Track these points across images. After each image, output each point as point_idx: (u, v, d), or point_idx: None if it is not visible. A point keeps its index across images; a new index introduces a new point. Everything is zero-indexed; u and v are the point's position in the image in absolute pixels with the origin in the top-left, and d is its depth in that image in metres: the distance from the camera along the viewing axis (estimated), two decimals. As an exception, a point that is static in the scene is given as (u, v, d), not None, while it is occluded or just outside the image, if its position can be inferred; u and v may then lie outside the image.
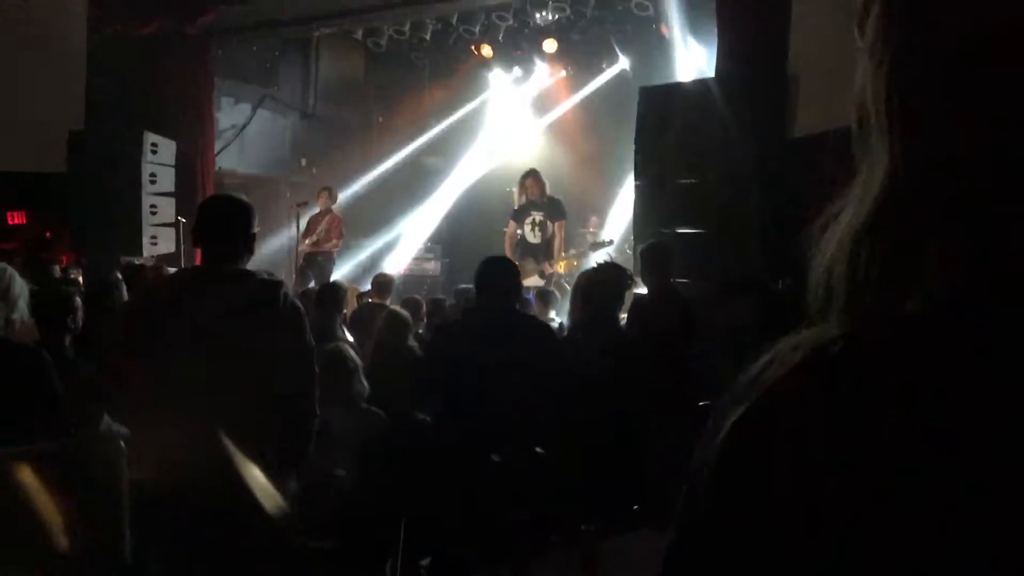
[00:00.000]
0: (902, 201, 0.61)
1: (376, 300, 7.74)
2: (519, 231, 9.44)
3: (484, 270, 4.27)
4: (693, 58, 10.64)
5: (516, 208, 9.63)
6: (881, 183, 0.61)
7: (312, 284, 9.21)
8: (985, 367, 0.56)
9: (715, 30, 7.69)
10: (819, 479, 0.56)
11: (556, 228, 9.34)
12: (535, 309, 7.08)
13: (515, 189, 9.65)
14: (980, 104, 0.58)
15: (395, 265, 12.52)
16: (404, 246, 13.15)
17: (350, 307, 7.36)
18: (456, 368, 4.07)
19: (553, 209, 9.38)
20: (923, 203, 0.60)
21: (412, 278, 12.31)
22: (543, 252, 9.34)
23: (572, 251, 9.78)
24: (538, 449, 3.84)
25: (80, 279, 7.44)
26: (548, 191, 9.44)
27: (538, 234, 9.36)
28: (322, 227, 10.59)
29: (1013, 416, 0.54)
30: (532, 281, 9.03)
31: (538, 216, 9.36)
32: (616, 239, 10.30)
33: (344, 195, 12.76)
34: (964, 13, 0.59)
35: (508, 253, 9.36)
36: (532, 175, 9.46)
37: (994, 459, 0.53)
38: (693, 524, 0.63)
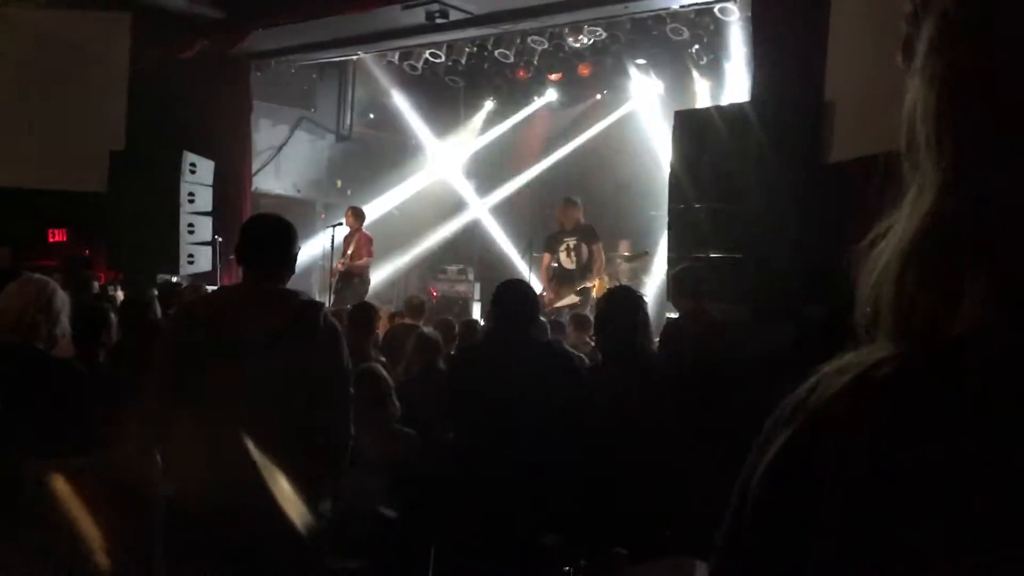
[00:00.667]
0: (953, 223, 0.60)
1: (408, 321, 7.77)
2: (555, 260, 9.48)
3: (499, 295, 4.25)
4: (730, 82, 10.62)
5: (549, 236, 9.69)
6: (931, 204, 0.61)
7: (348, 306, 9.26)
8: None
9: (750, 55, 7.70)
10: (866, 506, 0.55)
11: (595, 250, 9.34)
12: (569, 333, 7.06)
13: (557, 213, 9.72)
14: None
15: (426, 287, 12.57)
16: (434, 267, 13.20)
17: (382, 328, 7.39)
18: (476, 392, 4.06)
19: (587, 234, 9.41)
20: (975, 225, 0.59)
21: (445, 300, 12.34)
22: (579, 276, 9.36)
23: (607, 272, 9.75)
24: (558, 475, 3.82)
25: (119, 295, 7.54)
26: (582, 218, 9.47)
27: (573, 259, 9.38)
28: (352, 247, 10.66)
29: None
30: (568, 301, 9.03)
31: (571, 242, 9.40)
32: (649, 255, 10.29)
33: (377, 215, 12.87)
34: (1020, 35, 0.58)
35: (543, 282, 9.46)
36: (566, 203, 9.53)
37: None
38: (737, 548, 0.62)
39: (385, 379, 4.41)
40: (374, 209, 12.70)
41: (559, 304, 9.07)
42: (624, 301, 4.32)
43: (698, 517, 3.93)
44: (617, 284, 6.47)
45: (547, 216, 12.45)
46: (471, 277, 12.88)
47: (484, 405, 3.94)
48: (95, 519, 2.85)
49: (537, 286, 9.59)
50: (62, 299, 3.35)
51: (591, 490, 3.79)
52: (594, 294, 9.23)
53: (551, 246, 9.55)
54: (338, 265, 10.60)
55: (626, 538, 3.19)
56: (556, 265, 9.46)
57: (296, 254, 3.30)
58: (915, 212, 0.62)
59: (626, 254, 10.25)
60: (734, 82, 10.42)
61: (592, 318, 7.49)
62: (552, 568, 3.04)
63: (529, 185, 13.41)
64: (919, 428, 0.56)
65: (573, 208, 9.45)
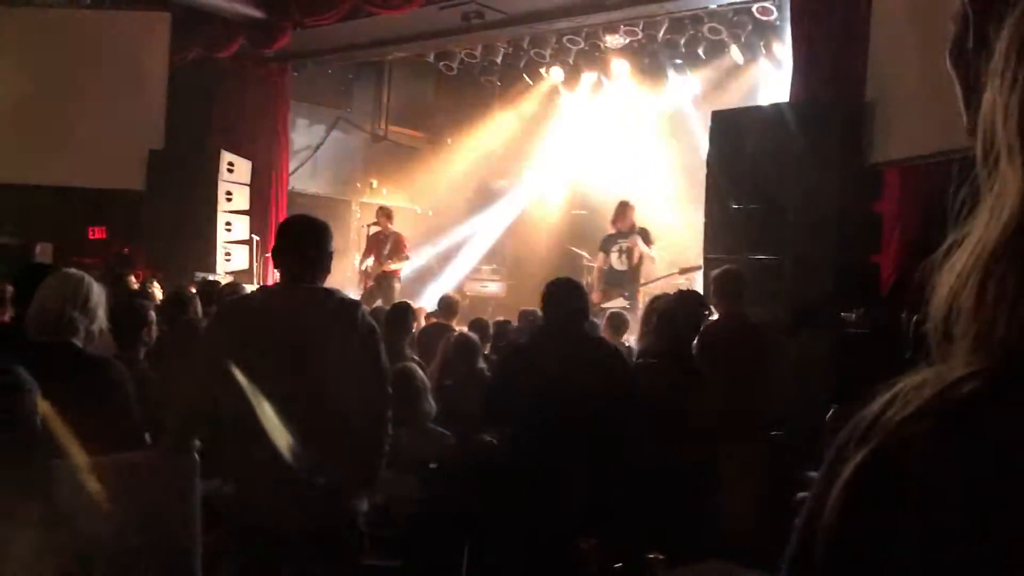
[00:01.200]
0: None
1: (442, 321, 7.77)
2: (607, 262, 9.67)
3: (551, 291, 4.24)
4: (768, 83, 10.53)
5: (604, 237, 9.86)
6: (1013, 210, 0.58)
7: (378, 303, 9.31)
8: None
9: (790, 55, 7.62)
10: (950, 533, 0.52)
11: (643, 254, 9.49)
12: (605, 333, 7.03)
13: (613, 213, 9.84)
14: None
15: (459, 286, 12.59)
16: (467, 266, 13.21)
17: (418, 328, 7.40)
18: (525, 390, 4.05)
19: (641, 236, 9.55)
20: None
21: (477, 300, 12.35)
22: (629, 278, 9.51)
23: (659, 279, 9.74)
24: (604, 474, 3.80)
25: (156, 293, 7.62)
26: (635, 220, 9.64)
27: (624, 261, 9.53)
28: (388, 247, 10.69)
29: None
30: (615, 303, 9.05)
31: (624, 244, 9.55)
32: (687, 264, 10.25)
33: (411, 215, 12.93)
34: None
35: (596, 284, 9.66)
36: (621, 206, 9.67)
37: None
38: (807, 571, 0.59)
39: (420, 378, 4.42)
40: (410, 211, 12.77)
41: (605, 305, 9.09)
42: (691, 305, 4.37)
43: (733, 521, 3.90)
44: (686, 289, 6.49)
45: (577, 216, 12.44)
46: (503, 276, 12.87)
47: (536, 402, 3.92)
48: (134, 517, 2.87)
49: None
50: (99, 294, 3.36)
51: (631, 491, 3.77)
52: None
53: (606, 247, 9.73)
54: (373, 266, 10.65)
55: (663, 542, 3.16)
56: (608, 267, 9.63)
57: (331, 254, 3.31)
58: (995, 220, 0.59)
59: (683, 267, 10.26)
60: (772, 82, 10.33)
61: (628, 318, 7.50)
62: (587, 572, 3.02)
63: (562, 185, 13.37)
64: (1009, 446, 0.53)
65: (626, 210, 9.60)
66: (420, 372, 4.52)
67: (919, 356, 0.62)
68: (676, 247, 11.00)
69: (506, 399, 4.19)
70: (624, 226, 9.57)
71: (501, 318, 8.69)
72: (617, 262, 9.56)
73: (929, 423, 0.56)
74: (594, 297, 9.39)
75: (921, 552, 0.53)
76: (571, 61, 11.88)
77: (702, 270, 9.63)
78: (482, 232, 13.54)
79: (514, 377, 4.20)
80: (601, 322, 7.60)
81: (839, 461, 0.59)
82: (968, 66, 0.66)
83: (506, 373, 4.39)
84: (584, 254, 11.51)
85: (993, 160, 0.61)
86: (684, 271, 9.54)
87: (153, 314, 4.71)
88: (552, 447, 3.83)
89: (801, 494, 1.29)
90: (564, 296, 4.21)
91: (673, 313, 4.41)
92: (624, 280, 9.49)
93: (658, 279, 9.57)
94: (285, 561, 3.05)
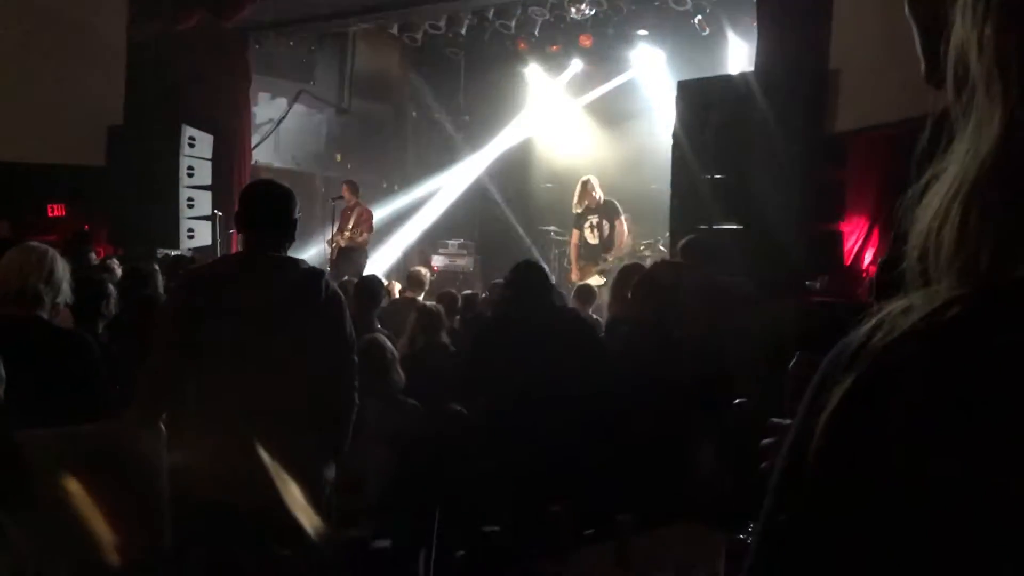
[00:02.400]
0: (1020, 159, 0.57)
1: (409, 294, 7.76)
2: (581, 238, 9.96)
3: (517, 271, 4.35)
4: (732, 53, 10.54)
5: (575, 215, 10.06)
6: (995, 140, 0.57)
7: (345, 278, 9.26)
8: None
9: (754, 24, 7.63)
10: (940, 454, 0.52)
11: (616, 224, 9.75)
12: (573, 304, 7.06)
13: (575, 193, 10.04)
14: None
15: (428, 260, 12.56)
16: (435, 241, 13.17)
17: (389, 302, 7.37)
18: (501, 362, 4.07)
19: (608, 209, 9.80)
20: None
21: (446, 274, 12.33)
22: (601, 251, 9.77)
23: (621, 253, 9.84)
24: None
25: (117, 269, 7.51)
26: (601, 194, 9.88)
27: (596, 235, 9.79)
28: (352, 220, 10.65)
29: None
30: (593, 281, 9.15)
31: (594, 219, 9.82)
32: (652, 233, 10.39)
33: (378, 189, 12.86)
34: None
35: (573, 260, 9.99)
36: (589, 183, 9.88)
37: None
38: (798, 498, 0.59)
39: (389, 349, 4.40)
40: (375, 184, 12.69)
41: (587, 282, 9.17)
42: (667, 274, 4.43)
43: (703, 483, 3.94)
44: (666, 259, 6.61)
45: (545, 190, 12.44)
46: (471, 251, 12.85)
47: (510, 372, 3.95)
48: (101, 489, 2.84)
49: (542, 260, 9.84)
50: (63, 267, 3.31)
51: (601, 456, 3.79)
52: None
53: (578, 224, 9.98)
54: (339, 239, 10.59)
55: (633, 505, 3.18)
56: (582, 243, 9.91)
57: (296, 221, 3.26)
58: (974, 150, 0.58)
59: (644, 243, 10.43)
60: (737, 52, 10.35)
61: (596, 291, 7.54)
62: (558, 535, 3.04)
63: (529, 157, 13.34)
64: (998, 368, 0.53)
65: (591, 187, 9.85)
66: (389, 343, 4.50)
67: (882, 299, 0.61)
68: (646, 217, 11.05)
69: (483, 371, 4.21)
70: (591, 202, 9.80)
71: (469, 291, 8.68)
72: (590, 236, 9.83)
73: (916, 346, 0.56)
74: (572, 275, 9.58)
75: (912, 474, 0.53)
76: (536, 33, 11.81)
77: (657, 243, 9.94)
78: (440, 198, 13.47)
79: (489, 350, 4.23)
80: (569, 295, 7.62)
81: (824, 388, 0.58)
82: (927, 8, 0.66)
83: (481, 346, 4.41)
84: (552, 229, 11.52)
85: (968, 95, 0.60)
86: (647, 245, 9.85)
87: (112, 287, 4.65)
88: (528, 415, 3.85)
89: (765, 440, 1.29)
90: (528, 274, 4.32)
91: (657, 282, 4.43)
92: (598, 253, 9.73)
93: (621, 257, 9.74)
94: (252, 534, 3.03)
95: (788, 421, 1.15)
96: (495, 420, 4.03)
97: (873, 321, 0.59)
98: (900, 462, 0.53)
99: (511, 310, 4.50)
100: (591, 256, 9.80)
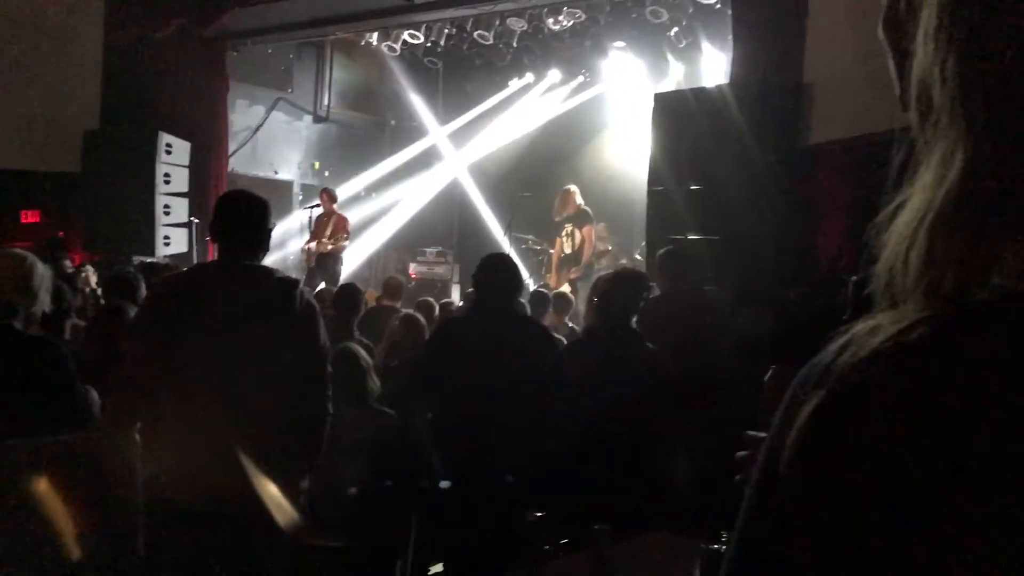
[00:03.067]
0: (988, 188, 0.58)
1: (386, 303, 7.75)
2: (561, 245, 10.07)
3: (482, 268, 4.26)
4: (708, 65, 10.63)
5: (556, 224, 10.18)
6: (959, 172, 0.59)
7: (322, 285, 9.24)
8: None
9: (730, 37, 7.69)
10: (903, 472, 0.54)
11: (583, 233, 9.80)
12: (549, 313, 7.07)
13: (556, 202, 10.17)
14: None
15: (406, 268, 12.55)
16: (413, 249, 13.17)
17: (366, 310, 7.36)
18: (451, 363, 4.06)
19: (580, 218, 9.86)
20: (1014, 190, 0.57)
21: (424, 282, 12.32)
22: (573, 260, 9.86)
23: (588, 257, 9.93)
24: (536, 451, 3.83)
25: (91, 277, 7.45)
26: (579, 203, 9.95)
27: (570, 244, 9.91)
28: (329, 228, 10.64)
29: None
30: (565, 289, 9.17)
31: (569, 227, 9.92)
32: (629, 245, 10.46)
33: (354, 197, 12.85)
34: None
35: (554, 268, 10.12)
36: (568, 192, 9.97)
37: None
38: (767, 514, 0.60)
39: (364, 358, 4.39)
40: (350, 190, 12.69)
41: (562, 289, 9.24)
42: (628, 283, 4.41)
43: (679, 493, 3.96)
44: (626, 266, 6.66)
45: (522, 199, 12.44)
46: (450, 259, 12.86)
47: (466, 380, 3.94)
48: (76, 498, 2.83)
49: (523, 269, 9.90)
50: (41, 275, 3.28)
51: (573, 466, 3.80)
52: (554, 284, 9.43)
53: (558, 232, 10.11)
54: (315, 247, 10.58)
55: (608, 515, 3.20)
56: (562, 252, 10.04)
57: (270, 231, 3.27)
58: (941, 181, 0.60)
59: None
60: (713, 65, 10.43)
61: (572, 299, 7.56)
62: (533, 545, 3.04)
63: (507, 167, 13.37)
64: (961, 387, 0.54)
65: (569, 196, 9.93)
66: (363, 352, 4.50)
67: (857, 317, 0.63)
68: (623, 228, 11.11)
69: (433, 370, 4.19)
70: (569, 211, 9.87)
71: (446, 299, 8.68)
72: (566, 245, 9.94)
73: (882, 365, 0.57)
74: (551, 282, 9.63)
75: (877, 492, 0.54)
76: (515, 43, 11.85)
77: (609, 252, 10.07)
78: (427, 212, 13.48)
79: (442, 349, 4.21)
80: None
81: (796, 404, 0.60)
82: (902, 32, 0.67)
83: (435, 344, 4.39)
84: (530, 238, 11.54)
85: (932, 123, 0.61)
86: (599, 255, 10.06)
87: (68, 291, 4.60)
88: (481, 420, 3.85)
89: (740, 453, 1.32)
90: (495, 272, 4.23)
91: (609, 291, 4.46)
92: (571, 261, 9.83)
93: (603, 252, 9.86)
94: (226, 543, 3.02)
95: (763, 434, 1.17)
96: (445, 423, 4.02)
97: (842, 340, 0.60)
98: (866, 478, 0.55)
99: (468, 312, 4.48)
100: (566, 264, 9.95)
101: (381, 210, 13.24)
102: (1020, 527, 0.51)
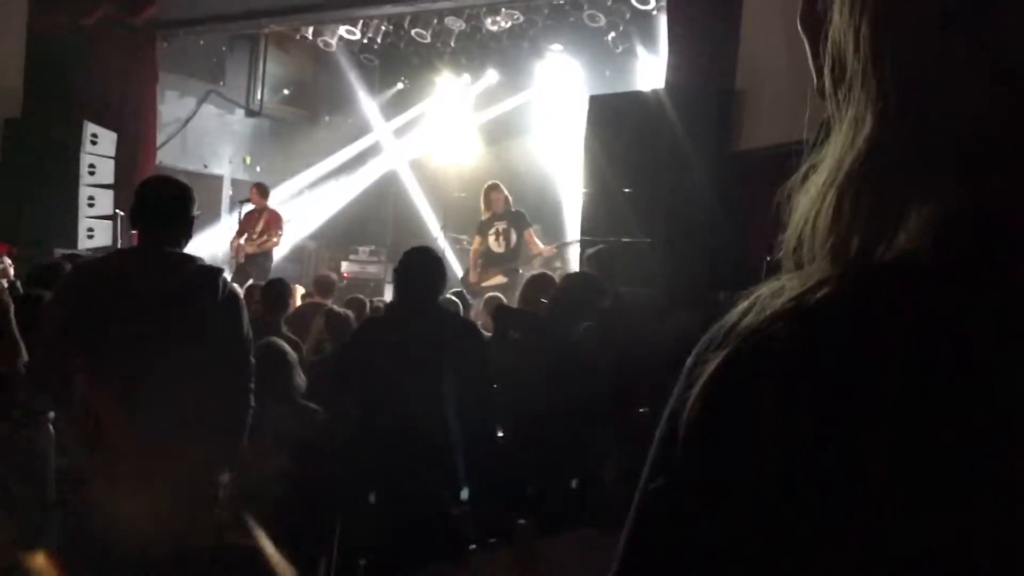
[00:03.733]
0: (893, 150, 0.59)
1: (317, 299, 7.65)
2: (483, 244, 9.57)
3: (406, 261, 4.13)
4: (643, 70, 10.74)
5: (480, 222, 9.73)
6: (868, 133, 0.60)
7: (251, 281, 9.09)
8: (979, 322, 0.54)
9: (665, 42, 7.78)
10: (799, 433, 0.54)
11: (526, 235, 9.45)
12: (479, 315, 7.06)
13: (481, 199, 9.73)
14: (977, 53, 0.57)
15: (338, 267, 12.42)
16: (345, 247, 13.05)
17: (293, 306, 7.25)
18: (376, 364, 3.99)
19: (518, 219, 9.51)
20: (917, 153, 0.59)
21: (356, 281, 12.20)
22: (508, 259, 9.43)
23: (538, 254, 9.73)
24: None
25: (8, 269, 7.22)
26: (510, 202, 9.56)
27: (502, 243, 9.44)
28: (260, 225, 10.47)
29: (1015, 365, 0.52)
30: (494, 281, 9.06)
31: (500, 226, 9.46)
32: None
33: (287, 194, 12.69)
34: None
35: (472, 266, 9.59)
36: (494, 188, 9.56)
37: (998, 419, 0.52)
38: (669, 474, 0.60)
39: (289, 352, 4.32)
40: (282, 186, 12.52)
41: (485, 284, 9.08)
42: (580, 288, 4.43)
43: (604, 492, 3.98)
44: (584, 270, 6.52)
45: (458, 199, 12.43)
46: (383, 259, 12.77)
47: (387, 375, 3.89)
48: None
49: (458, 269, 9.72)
50: None
51: (498, 463, 3.79)
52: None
53: (482, 231, 9.61)
54: (245, 244, 10.41)
55: (532, 511, 3.20)
56: (484, 247, 9.54)
57: (193, 218, 3.20)
58: (852, 143, 0.61)
59: (560, 241, 10.28)
60: (649, 69, 10.54)
61: (502, 300, 7.52)
62: (458, 541, 3.03)
63: (443, 166, 13.34)
64: (858, 348, 0.55)
65: (496, 193, 9.50)
66: (287, 347, 4.42)
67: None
68: (555, 228, 11.14)
69: (350, 366, 4.12)
70: (497, 208, 9.50)
71: (379, 299, 8.60)
72: (495, 244, 9.51)
73: (783, 326, 0.57)
74: (471, 277, 9.46)
75: (773, 451, 0.54)
76: (452, 43, 11.83)
77: (578, 244, 9.78)
78: (350, 204, 13.36)
79: (362, 345, 4.14)
80: (478, 304, 7.63)
81: (699, 364, 0.60)
82: (818, 25, 0.67)
83: (354, 340, 4.32)
84: (464, 238, 11.50)
85: (846, 90, 0.62)
86: (562, 246, 9.61)
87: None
88: (402, 415, 3.81)
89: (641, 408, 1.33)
90: (418, 268, 4.11)
91: (571, 292, 4.47)
92: (503, 261, 9.44)
93: (538, 254, 9.56)
94: (143, 541, 2.94)
95: None
96: (369, 421, 3.96)
97: (746, 303, 0.61)
98: (762, 441, 0.55)
99: (389, 310, 4.42)
100: (495, 263, 9.47)
101: (314, 207, 13.08)
102: (912, 481, 0.52)
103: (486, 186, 9.69)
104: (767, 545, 0.54)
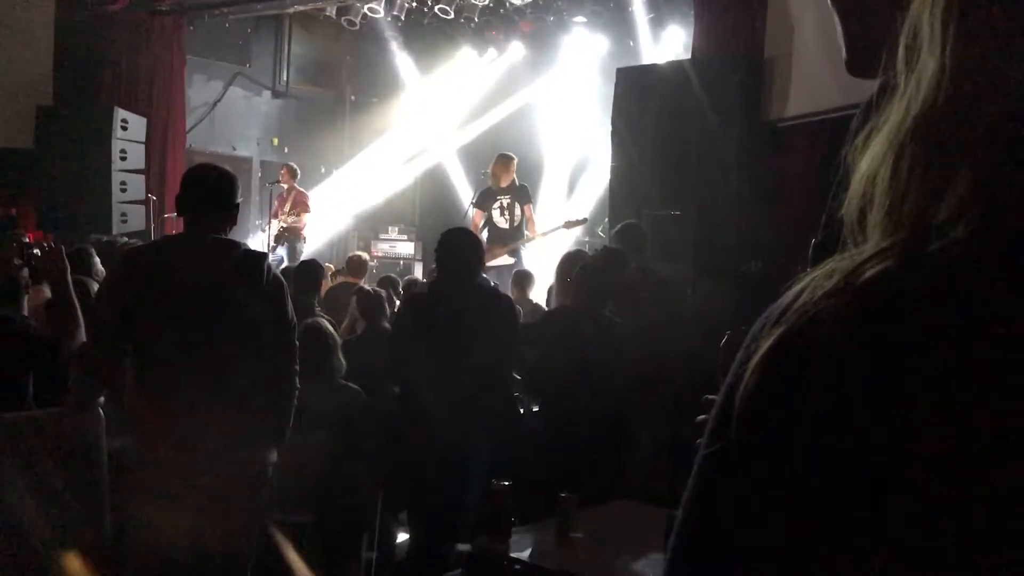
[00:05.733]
0: (944, 113, 0.60)
1: (349, 280, 7.72)
2: (485, 215, 9.20)
3: (444, 241, 4.27)
4: (671, 41, 10.65)
5: (481, 192, 9.38)
6: (929, 90, 0.60)
7: (284, 263, 9.17)
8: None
9: (692, 12, 7.72)
10: (851, 410, 0.56)
11: (526, 210, 9.11)
12: (512, 291, 7.08)
13: (490, 168, 9.29)
14: None
15: (368, 247, 12.48)
16: (376, 227, 13.10)
17: (326, 286, 7.33)
18: (421, 339, 4.07)
19: (521, 194, 9.16)
20: (964, 118, 0.59)
21: (387, 260, 12.27)
22: (511, 236, 9.09)
23: (546, 229, 9.48)
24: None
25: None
26: (516, 176, 9.17)
27: (507, 217, 9.12)
28: (288, 205, 10.55)
29: None
30: (501, 261, 8.85)
31: (505, 200, 9.11)
32: (588, 221, 10.19)
33: (316, 174, 12.75)
34: None
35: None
36: (501, 159, 9.19)
37: None
38: (723, 451, 0.62)
39: (331, 334, 4.39)
40: (310, 166, 12.56)
41: (492, 264, 8.79)
42: (613, 263, 4.46)
43: (644, 464, 4.01)
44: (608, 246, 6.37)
45: (487, 175, 12.39)
46: (412, 237, 12.81)
47: (433, 353, 3.95)
48: (43, 475, 2.80)
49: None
50: None
51: (541, 436, 3.84)
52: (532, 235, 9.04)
53: (483, 203, 9.21)
54: (277, 224, 10.49)
55: (574, 484, 3.24)
56: (486, 219, 9.17)
57: (238, 204, 3.25)
58: (910, 102, 0.61)
59: (569, 219, 9.92)
60: (675, 40, 10.46)
61: (532, 275, 7.54)
62: (500, 514, 3.08)
63: (468, 144, 13.32)
64: (911, 325, 0.56)
65: (509, 164, 9.11)
66: (330, 328, 4.49)
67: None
68: (579, 205, 11.12)
69: (404, 348, 4.20)
70: (504, 181, 9.09)
71: (411, 276, 8.64)
72: (499, 219, 9.13)
73: (833, 305, 0.59)
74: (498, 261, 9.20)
75: (825, 429, 0.56)
76: (476, 18, 11.78)
77: (587, 222, 9.58)
78: (391, 192, 13.39)
79: (410, 326, 4.22)
80: (505, 280, 7.63)
81: (754, 341, 0.62)
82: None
83: (403, 323, 4.40)
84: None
85: (916, 57, 0.63)
86: (569, 224, 9.27)
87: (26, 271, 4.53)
88: (448, 392, 3.87)
89: (701, 416, 1.34)
90: (458, 246, 4.24)
91: (599, 270, 4.51)
92: (508, 238, 9.06)
93: (546, 232, 9.17)
94: (194, 516, 3.01)
95: None
96: (417, 400, 4.03)
97: (800, 285, 0.62)
98: (815, 419, 0.57)
99: (432, 287, 4.49)
100: (500, 238, 9.03)
101: (342, 187, 13.13)
102: (959, 460, 0.53)
103: (499, 156, 9.25)
104: (817, 512, 0.57)
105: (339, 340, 4.45)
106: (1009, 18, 0.59)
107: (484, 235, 8.94)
